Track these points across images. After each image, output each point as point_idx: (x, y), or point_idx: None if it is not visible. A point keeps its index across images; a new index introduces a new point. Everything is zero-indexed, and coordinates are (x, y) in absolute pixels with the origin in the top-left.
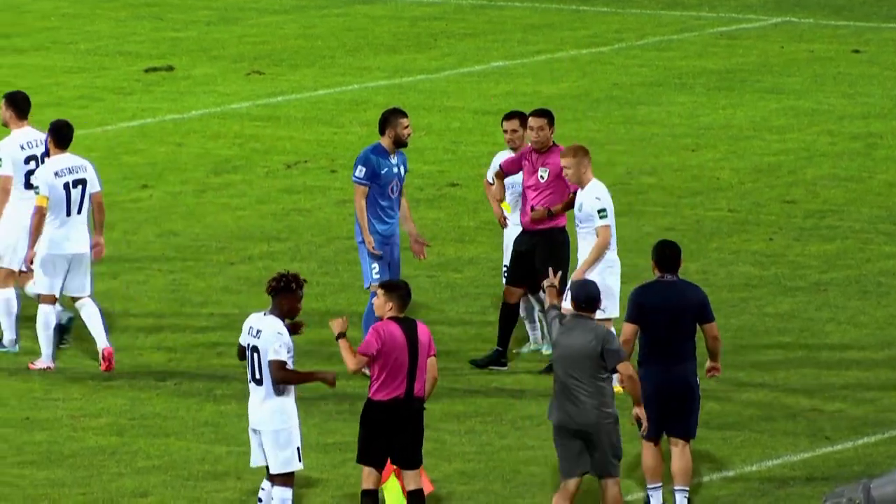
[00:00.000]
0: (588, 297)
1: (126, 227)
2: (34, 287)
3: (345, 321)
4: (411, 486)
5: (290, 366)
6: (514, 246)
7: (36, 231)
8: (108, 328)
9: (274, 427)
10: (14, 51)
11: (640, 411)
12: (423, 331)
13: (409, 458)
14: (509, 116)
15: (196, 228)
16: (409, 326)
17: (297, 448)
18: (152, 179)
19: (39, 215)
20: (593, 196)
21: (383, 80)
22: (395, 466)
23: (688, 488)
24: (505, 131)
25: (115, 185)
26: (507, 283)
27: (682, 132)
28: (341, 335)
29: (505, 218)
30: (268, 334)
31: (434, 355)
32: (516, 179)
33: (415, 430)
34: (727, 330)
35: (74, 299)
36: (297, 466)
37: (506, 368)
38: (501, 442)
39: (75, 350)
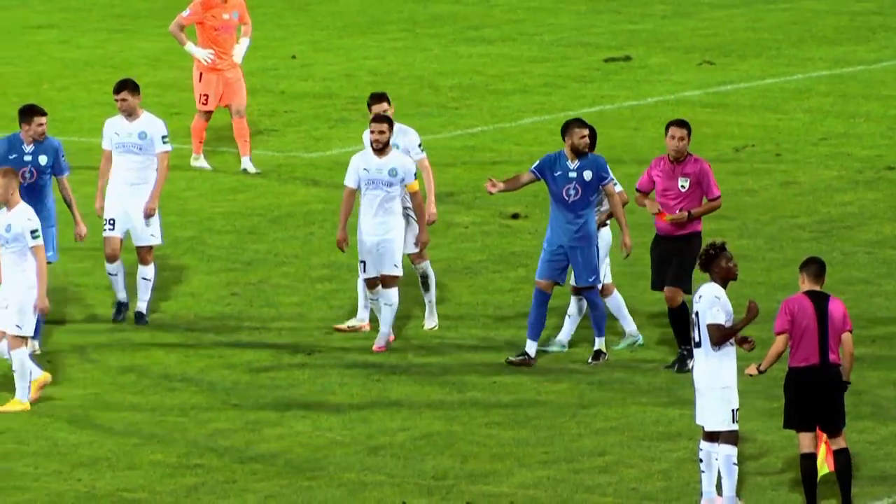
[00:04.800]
0: None
1: None
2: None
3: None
4: (836, 447)
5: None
6: (654, 253)
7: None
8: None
9: (713, 386)
10: (484, 41)
11: None
12: (835, 306)
13: (832, 423)
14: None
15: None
16: (819, 299)
17: (734, 409)
18: (609, 163)
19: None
20: (25, 217)
21: (825, 71)
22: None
23: None
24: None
25: None
26: (653, 287)
27: None
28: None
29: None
30: (706, 299)
31: (849, 331)
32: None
33: (833, 396)
34: None
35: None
36: (731, 427)
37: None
38: None
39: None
